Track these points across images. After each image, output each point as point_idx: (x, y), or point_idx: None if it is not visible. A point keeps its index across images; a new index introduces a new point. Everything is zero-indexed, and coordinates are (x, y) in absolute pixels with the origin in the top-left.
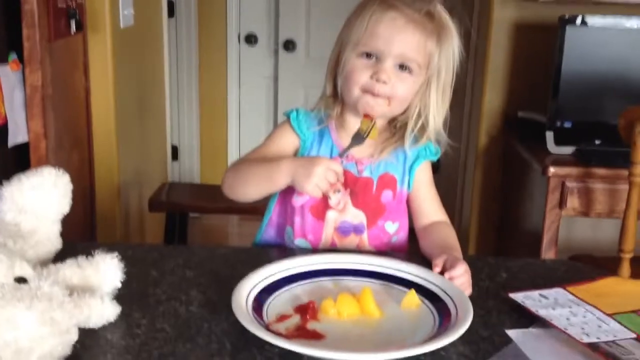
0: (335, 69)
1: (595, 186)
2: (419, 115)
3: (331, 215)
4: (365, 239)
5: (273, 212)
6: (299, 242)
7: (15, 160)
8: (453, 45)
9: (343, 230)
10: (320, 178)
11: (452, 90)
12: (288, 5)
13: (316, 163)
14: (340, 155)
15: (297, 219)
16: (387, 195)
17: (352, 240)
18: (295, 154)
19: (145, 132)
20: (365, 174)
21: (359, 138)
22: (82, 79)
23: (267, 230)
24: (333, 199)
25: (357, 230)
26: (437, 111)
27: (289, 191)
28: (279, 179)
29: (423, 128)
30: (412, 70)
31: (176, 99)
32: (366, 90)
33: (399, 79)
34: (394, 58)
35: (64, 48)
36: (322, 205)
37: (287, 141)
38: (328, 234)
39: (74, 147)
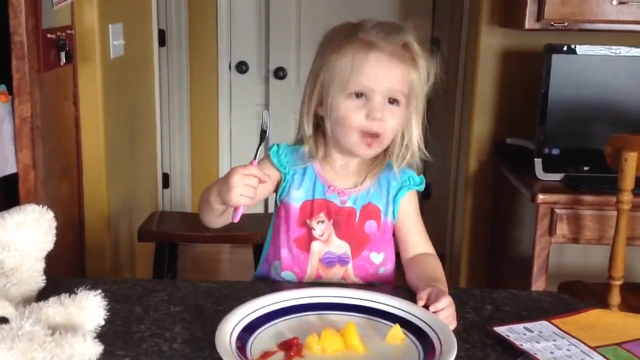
0: (316, 110)
1: (585, 213)
2: (402, 137)
3: (316, 247)
4: (350, 270)
5: (269, 248)
6: (285, 274)
7: (3, 191)
8: (424, 64)
9: (327, 261)
10: (240, 186)
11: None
12: (278, 33)
13: (231, 175)
14: (254, 157)
15: (284, 252)
16: (370, 225)
17: (337, 271)
18: (277, 187)
19: (135, 160)
20: (349, 204)
21: (263, 134)
22: (72, 110)
23: (262, 266)
24: (317, 230)
25: (342, 261)
26: (417, 131)
27: (279, 226)
28: (214, 202)
29: (406, 148)
30: (400, 102)
31: (167, 126)
32: (365, 133)
33: (389, 112)
34: (382, 93)
35: (53, 79)
36: (307, 237)
37: (269, 173)
38: (313, 265)
39: (63, 177)
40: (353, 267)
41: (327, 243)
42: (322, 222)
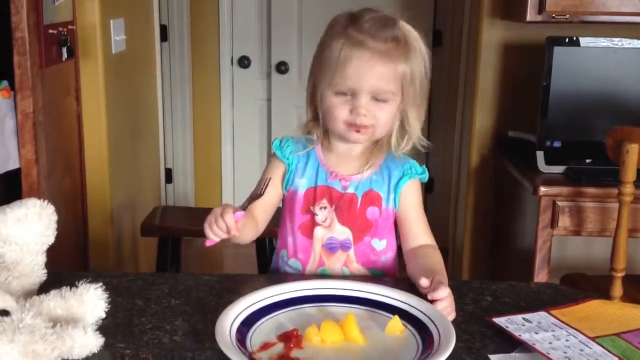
0: (314, 98)
1: (586, 205)
2: (402, 125)
3: (319, 232)
4: (352, 256)
5: (279, 238)
6: (291, 262)
7: (6, 186)
8: (422, 54)
9: (330, 247)
10: (210, 225)
11: (429, 94)
12: (280, 27)
13: (213, 210)
14: (243, 208)
15: (290, 240)
16: (372, 211)
17: (339, 257)
18: (283, 178)
19: (138, 156)
20: (350, 190)
21: (256, 196)
22: (74, 105)
23: (274, 257)
24: (320, 216)
25: (344, 246)
26: (416, 118)
27: (285, 215)
28: None
29: (406, 138)
30: (388, 99)
31: (170, 122)
32: (350, 125)
33: (377, 108)
34: (367, 92)
35: (55, 74)
36: (311, 224)
37: (275, 170)
38: (316, 251)
39: (66, 173)
40: (355, 253)
41: (330, 229)
42: (325, 208)
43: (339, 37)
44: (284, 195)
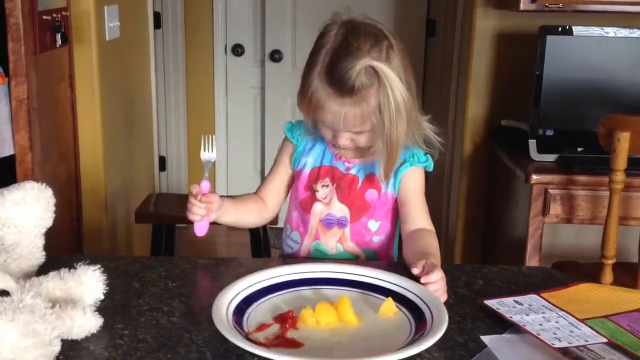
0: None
1: (578, 193)
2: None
3: (317, 208)
4: (347, 234)
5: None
6: (293, 235)
7: (1, 173)
8: (396, 81)
9: (327, 222)
10: (188, 208)
11: (414, 98)
12: (274, 15)
13: None
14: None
15: (291, 214)
16: (372, 194)
17: (334, 233)
18: (290, 158)
19: (132, 143)
20: (352, 171)
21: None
22: (68, 92)
23: (282, 234)
24: (320, 192)
25: (340, 223)
26: (395, 138)
27: (291, 193)
28: None
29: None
30: (364, 131)
31: (163, 109)
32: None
33: (357, 137)
34: (343, 133)
35: (49, 61)
36: (311, 199)
37: (286, 151)
38: (313, 225)
39: (60, 159)
40: (350, 231)
41: (329, 206)
42: (326, 186)
43: (316, 76)
44: (292, 174)
